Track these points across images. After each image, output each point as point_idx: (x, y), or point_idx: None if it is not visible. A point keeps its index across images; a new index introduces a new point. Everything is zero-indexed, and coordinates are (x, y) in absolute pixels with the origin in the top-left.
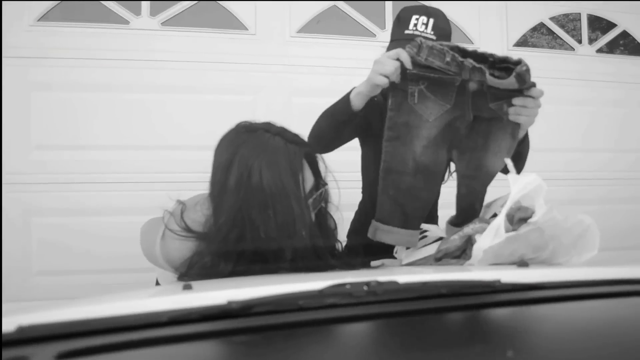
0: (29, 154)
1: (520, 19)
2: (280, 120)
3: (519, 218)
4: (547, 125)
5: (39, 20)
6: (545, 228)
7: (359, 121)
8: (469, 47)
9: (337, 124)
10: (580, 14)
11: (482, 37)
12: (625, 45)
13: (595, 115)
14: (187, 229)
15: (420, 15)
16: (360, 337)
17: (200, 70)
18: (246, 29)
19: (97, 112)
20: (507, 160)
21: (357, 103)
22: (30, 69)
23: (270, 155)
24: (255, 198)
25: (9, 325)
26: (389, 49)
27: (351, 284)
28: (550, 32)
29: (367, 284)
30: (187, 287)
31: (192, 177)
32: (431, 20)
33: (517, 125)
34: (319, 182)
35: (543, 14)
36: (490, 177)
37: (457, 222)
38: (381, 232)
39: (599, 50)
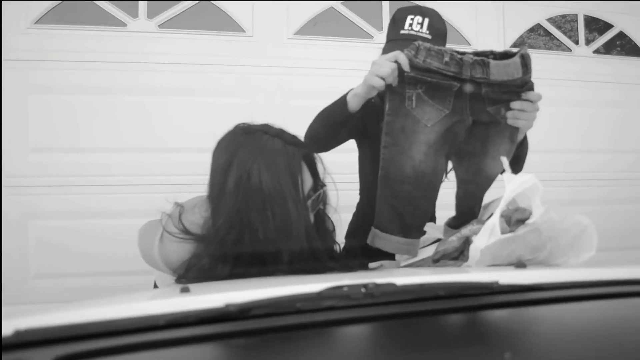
0: (27, 156)
1: (517, 20)
2: (278, 122)
3: (516, 219)
4: (546, 126)
5: (36, 22)
6: (543, 229)
7: (356, 123)
8: (467, 49)
9: (333, 125)
10: (577, 15)
11: (479, 38)
12: (622, 46)
13: (594, 116)
14: (185, 231)
15: (415, 15)
16: (358, 339)
17: (198, 72)
18: (243, 31)
19: (95, 114)
20: (502, 159)
21: (353, 104)
22: (27, 72)
23: (269, 157)
24: (254, 200)
25: (6, 329)
26: (384, 49)
27: (349, 286)
28: (547, 33)
29: (365, 286)
30: (185, 290)
31: (191, 180)
32: (426, 20)
33: (515, 129)
34: (318, 183)
35: (540, 14)
36: (489, 181)
37: (456, 224)
38: (380, 240)
39: (596, 51)
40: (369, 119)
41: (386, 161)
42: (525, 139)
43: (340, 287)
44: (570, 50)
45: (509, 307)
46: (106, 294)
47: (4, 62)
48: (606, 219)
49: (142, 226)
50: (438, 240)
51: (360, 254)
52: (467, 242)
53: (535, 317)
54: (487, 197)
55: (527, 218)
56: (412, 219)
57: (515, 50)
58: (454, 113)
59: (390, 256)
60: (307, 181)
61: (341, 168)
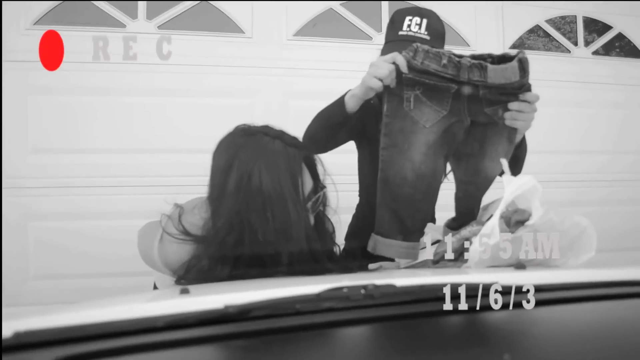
0: (26, 157)
1: (516, 21)
2: (277, 123)
3: (515, 220)
4: (545, 127)
5: (35, 23)
6: (542, 230)
7: (354, 124)
8: (465, 52)
9: (331, 126)
10: (576, 16)
11: (478, 40)
12: (621, 47)
13: (594, 117)
14: (185, 232)
15: (414, 16)
16: (357, 340)
17: (197, 73)
18: (243, 32)
19: (95, 115)
20: (502, 161)
21: (351, 105)
22: (27, 73)
23: (270, 159)
24: (254, 201)
25: (6, 331)
26: (383, 51)
27: (348, 287)
28: (547, 35)
29: (365, 287)
30: (185, 292)
31: (191, 181)
32: (424, 21)
33: (513, 130)
34: (318, 185)
35: (539, 16)
36: (488, 182)
37: (455, 225)
38: (381, 246)
39: (595, 53)
40: (367, 120)
41: (385, 163)
42: (524, 140)
43: (339, 289)
44: (569, 51)
45: (509, 308)
46: (106, 295)
47: (3, 63)
48: (606, 220)
49: (141, 227)
50: (438, 241)
51: (359, 255)
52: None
53: (534, 318)
54: (486, 199)
55: (527, 219)
56: (412, 222)
57: (513, 53)
58: (451, 114)
59: (390, 258)
60: (308, 183)
61: (341, 169)
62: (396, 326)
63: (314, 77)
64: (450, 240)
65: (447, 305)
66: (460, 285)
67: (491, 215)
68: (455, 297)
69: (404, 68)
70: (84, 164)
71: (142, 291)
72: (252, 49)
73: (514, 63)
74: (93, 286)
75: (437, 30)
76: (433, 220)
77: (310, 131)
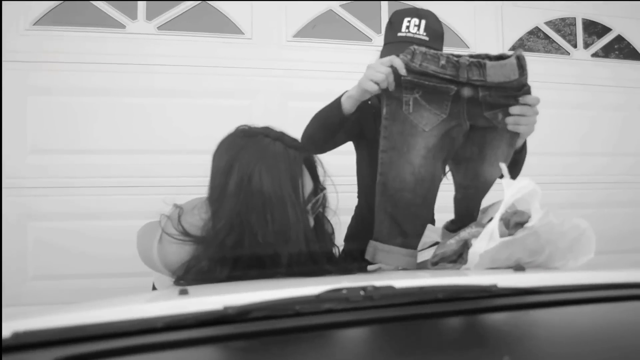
0: (26, 157)
1: (516, 23)
2: (276, 124)
3: (515, 222)
4: (545, 129)
5: (35, 24)
6: (542, 232)
7: (352, 124)
8: (464, 53)
9: (328, 127)
10: (575, 18)
11: (478, 41)
12: (620, 49)
13: (593, 119)
14: (185, 232)
15: (412, 17)
16: (357, 342)
17: (197, 74)
18: (242, 33)
19: (94, 116)
20: (501, 166)
21: (347, 107)
22: (26, 73)
23: (270, 160)
24: (254, 203)
25: (5, 331)
26: (382, 52)
27: (348, 289)
28: (546, 36)
29: (364, 288)
30: (184, 292)
31: (191, 181)
32: (423, 22)
33: (515, 134)
34: (318, 186)
35: (539, 18)
36: (488, 186)
37: (454, 228)
38: (381, 254)
39: (594, 55)
40: (365, 121)
41: (385, 166)
42: (524, 144)
43: (339, 290)
44: (568, 53)
45: (508, 310)
46: (105, 295)
47: (3, 64)
48: (605, 221)
49: (141, 228)
50: (437, 243)
51: (359, 256)
52: (465, 245)
53: (533, 320)
54: (485, 201)
55: (526, 221)
56: (412, 227)
57: (510, 53)
58: (451, 117)
59: None
60: (308, 185)
61: (341, 170)
62: (395, 328)
63: (314, 78)
64: (449, 241)
65: (447, 307)
66: (459, 287)
67: (491, 218)
68: (455, 299)
69: (402, 71)
70: (84, 164)
71: (141, 292)
72: (252, 50)
73: (512, 60)
74: (92, 287)
75: (436, 30)
76: (432, 222)
77: (308, 132)
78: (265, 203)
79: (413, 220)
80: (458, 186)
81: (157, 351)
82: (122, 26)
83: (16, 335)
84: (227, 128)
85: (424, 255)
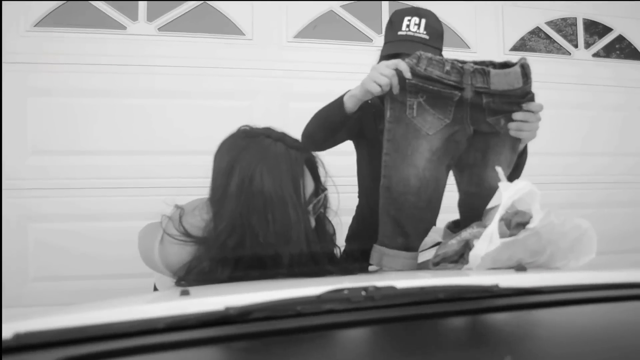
0: (26, 159)
1: (516, 23)
2: (277, 125)
3: (516, 223)
4: (545, 129)
5: (35, 25)
6: (543, 233)
7: (352, 124)
8: (466, 54)
9: (330, 125)
10: (576, 18)
11: (478, 42)
12: (621, 49)
13: (594, 119)
14: (186, 233)
15: (412, 16)
16: (358, 342)
17: (198, 75)
18: (243, 34)
19: (95, 117)
20: (497, 169)
21: (350, 106)
22: (26, 74)
23: (272, 161)
24: (255, 204)
25: (6, 332)
26: (383, 50)
27: (349, 289)
28: (547, 37)
29: (365, 289)
30: (185, 293)
31: (192, 182)
32: (423, 21)
33: (517, 140)
34: (319, 187)
35: (539, 18)
36: (492, 192)
37: (457, 229)
38: (388, 258)
39: (595, 55)
40: (365, 120)
41: (388, 169)
42: (525, 148)
43: (340, 290)
44: (569, 53)
45: (509, 310)
46: (106, 296)
47: (3, 65)
48: (605, 221)
49: (142, 228)
50: (438, 243)
51: (360, 257)
52: (467, 245)
53: (535, 320)
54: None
55: (527, 221)
56: (416, 231)
57: (514, 60)
58: (454, 122)
59: None
60: (309, 185)
61: (342, 171)
62: (397, 328)
63: (314, 79)
64: (450, 242)
65: (448, 307)
66: (461, 287)
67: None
68: (456, 299)
69: (407, 74)
70: (84, 166)
71: (143, 293)
72: (252, 50)
73: (517, 68)
74: (93, 288)
75: (436, 29)
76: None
77: (309, 130)
78: (267, 204)
79: (417, 223)
80: (463, 193)
81: (159, 352)
82: (123, 27)
83: (17, 336)
84: (227, 129)
85: (426, 256)
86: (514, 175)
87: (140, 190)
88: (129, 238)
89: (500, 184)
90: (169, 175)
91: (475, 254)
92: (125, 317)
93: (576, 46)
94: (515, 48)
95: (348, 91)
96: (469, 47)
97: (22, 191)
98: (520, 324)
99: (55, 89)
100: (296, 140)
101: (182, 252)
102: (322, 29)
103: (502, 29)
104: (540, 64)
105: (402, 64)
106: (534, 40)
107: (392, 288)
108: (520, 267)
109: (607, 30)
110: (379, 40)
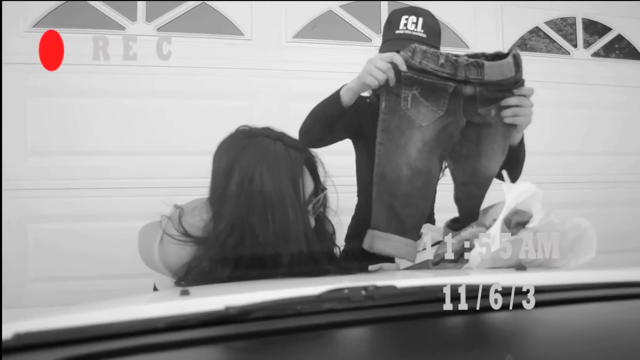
0: (26, 159)
1: (516, 22)
2: (277, 125)
3: (516, 222)
4: (546, 128)
5: (34, 25)
6: (543, 232)
7: (350, 121)
8: (463, 52)
9: (326, 119)
10: (575, 17)
11: (478, 41)
12: (621, 49)
13: (594, 118)
14: (186, 233)
15: (410, 15)
16: (358, 341)
17: (197, 75)
18: (242, 34)
19: (94, 117)
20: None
21: (346, 99)
22: (26, 75)
23: (271, 161)
24: (255, 204)
25: (6, 332)
26: (381, 50)
27: (349, 288)
28: (547, 36)
29: (365, 288)
30: (185, 293)
31: (191, 182)
32: (420, 20)
33: (509, 128)
34: (319, 187)
35: (539, 17)
36: (488, 181)
37: (456, 226)
38: (379, 241)
39: (595, 54)
40: (364, 119)
41: (382, 158)
42: (522, 141)
43: (340, 290)
44: (569, 53)
45: (509, 309)
46: (106, 297)
47: (3, 65)
48: (605, 221)
49: (141, 228)
50: (438, 242)
51: (360, 256)
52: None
53: (535, 319)
54: (486, 202)
55: (527, 221)
56: (409, 218)
57: (505, 51)
58: (447, 115)
59: (390, 259)
60: (309, 185)
61: (341, 170)
62: (397, 327)
63: (314, 78)
64: (450, 241)
65: (448, 306)
66: (460, 286)
67: (493, 220)
68: (456, 298)
69: (402, 67)
70: (84, 166)
71: (142, 293)
72: (252, 50)
73: (509, 59)
74: (93, 288)
75: (433, 28)
76: (432, 221)
77: (306, 126)
78: (266, 203)
79: (410, 210)
80: (459, 184)
81: (159, 352)
82: (122, 27)
83: (17, 337)
84: (227, 129)
85: (425, 255)
86: (515, 172)
87: (140, 191)
88: (129, 238)
89: (504, 186)
90: (168, 176)
91: (475, 254)
92: (125, 317)
93: (575, 46)
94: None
95: (344, 85)
96: (468, 47)
97: (22, 192)
98: (521, 323)
99: (54, 89)
100: (295, 140)
101: (181, 252)
102: (321, 29)
103: (502, 29)
104: (539, 64)
105: (397, 57)
106: (534, 40)
107: (392, 287)
108: (520, 267)
109: (606, 29)
110: (378, 40)
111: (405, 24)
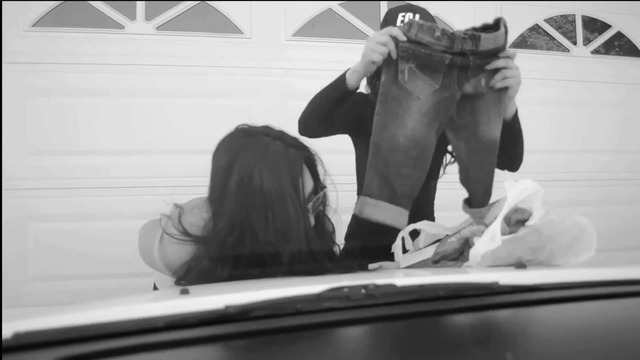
0: (26, 159)
1: (516, 20)
2: (276, 123)
3: (516, 220)
4: (545, 126)
5: (34, 25)
6: (543, 230)
7: (349, 116)
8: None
9: (330, 102)
10: (575, 15)
11: None
12: (620, 46)
13: (594, 116)
14: (185, 232)
15: (406, 12)
16: (358, 340)
17: (196, 74)
18: (242, 32)
19: (94, 116)
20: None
21: (352, 82)
22: (26, 74)
23: (271, 160)
24: (255, 202)
25: (6, 332)
26: None
27: (349, 287)
28: (547, 33)
29: (365, 287)
30: (185, 292)
31: (191, 182)
32: (417, 17)
33: (500, 93)
34: (318, 185)
35: (539, 15)
36: (492, 145)
37: (475, 202)
38: (369, 207)
39: (594, 52)
40: (363, 114)
41: (378, 127)
42: (517, 117)
43: (340, 288)
44: (568, 50)
45: (510, 307)
46: (106, 296)
47: (3, 65)
48: (605, 219)
49: (142, 226)
50: (437, 240)
51: (359, 255)
52: (466, 243)
53: (535, 317)
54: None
55: (527, 219)
56: (402, 187)
57: (491, 22)
58: (443, 88)
59: (390, 257)
60: (308, 183)
61: (341, 169)
62: (397, 326)
63: (313, 77)
64: (450, 240)
65: (448, 305)
66: (461, 284)
67: (494, 218)
68: (456, 297)
69: (401, 37)
70: (84, 165)
71: (142, 292)
72: (251, 49)
73: (502, 30)
74: (93, 287)
75: None
76: (431, 213)
77: (306, 113)
78: (266, 202)
79: (404, 180)
80: (464, 154)
81: (159, 350)
82: (121, 27)
83: (17, 336)
84: (227, 128)
85: (425, 254)
86: (514, 148)
87: (140, 190)
88: (129, 238)
89: (505, 184)
90: (168, 175)
91: (475, 252)
92: (125, 315)
93: (575, 43)
94: (514, 45)
95: (348, 69)
96: None
97: (22, 191)
98: (520, 321)
99: (54, 88)
100: (295, 139)
101: (181, 251)
102: (321, 27)
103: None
104: (539, 61)
105: (394, 30)
106: (533, 37)
107: (392, 286)
108: (520, 265)
109: (606, 27)
110: None
111: (402, 21)
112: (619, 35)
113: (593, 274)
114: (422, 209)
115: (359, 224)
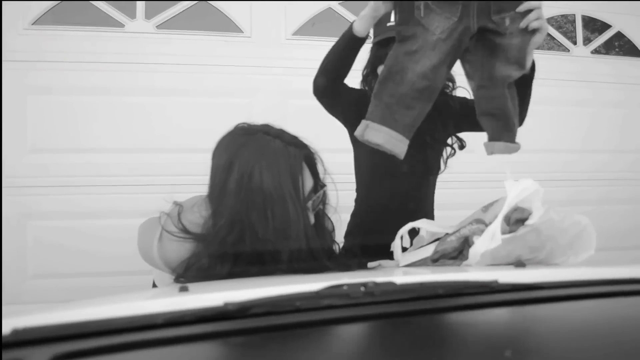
0: (26, 157)
1: None
2: (276, 122)
3: (515, 219)
4: (545, 126)
5: (33, 23)
6: (542, 229)
7: (350, 113)
8: None
9: (339, 53)
10: (575, 15)
11: None
12: (620, 46)
13: (593, 116)
14: (185, 230)
15: None
16: (357, 338)
17: (196, 73)
18: (242, 31)
19: (94, 115)
20: (505, 183)
21: (360, 28)
22: (26, 73)
23: (271, 158)
24: (255, 200)
25: (5, 328)
26: (372, 50)
27: (348, 284)
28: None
29: (364, 284)
30: (184, 289)
31: (191, 180)
32: None
33: (523, 40)
34: (318, 183)
35: None
36: (503, 82)
37: (490, 135)
38: (370, 131)
39: (594, 51)
40: (364, 110)
41: (390, 60)
42: (533, 70)
43: (339, 286)
44: (568, 50)
45: (509, 305)
46: (105, 293)
47: (3, 63)
48: (605, 218)
49: (141, 224)
50: (437, 239)
51: (359, 253)
52: (466, 241)
53: (534, 315)
54: (487, 198)
55: (527, 218)
56: (404, 117)
57: None
58: (461, 21)
59: (389, 256)
60: (308, 182)
61: (341, 168)
62: (396, 324)
63: (313, 76)
64: (450, 238)
65: (447, 303)
66: (460, 282)
67: (494, 217)
68: (455, 295)
69: None
70: (84, 163)
71: (142, 289)
72: (251, 48)
73: None
74: (92, 285)
75: None
76: (431, 212)
77: (320, 67)
78: (266, 200)
79: (407, 111)
80: (477, 89)
81: (158, 347)
82: (121, 25)
83: (16, 332)
84: (227, 126)
85: (425, 252)
86: (522, 102)
87: (140, 188)
88: (128, 235)
89: (506, 183)
90: (168, 173)
91: (475, 251)
92: (124, 312)
93: (575, 43)
94: None
95: (355, 21)
96: None
97: (22, 189)
98: (520, 320)
99: (54, 87)
100: (295, 137)
101: (180, 249)
102: (321, 26)
103: None
104: (539, 61)
105: None
106: None
107: (391, 284)
108: (519, 264)
109: (606, 26)
110: None
111: None
112: (619, 35)
113: (592, 273)
114: (421, 207)
115: (357, 222)
